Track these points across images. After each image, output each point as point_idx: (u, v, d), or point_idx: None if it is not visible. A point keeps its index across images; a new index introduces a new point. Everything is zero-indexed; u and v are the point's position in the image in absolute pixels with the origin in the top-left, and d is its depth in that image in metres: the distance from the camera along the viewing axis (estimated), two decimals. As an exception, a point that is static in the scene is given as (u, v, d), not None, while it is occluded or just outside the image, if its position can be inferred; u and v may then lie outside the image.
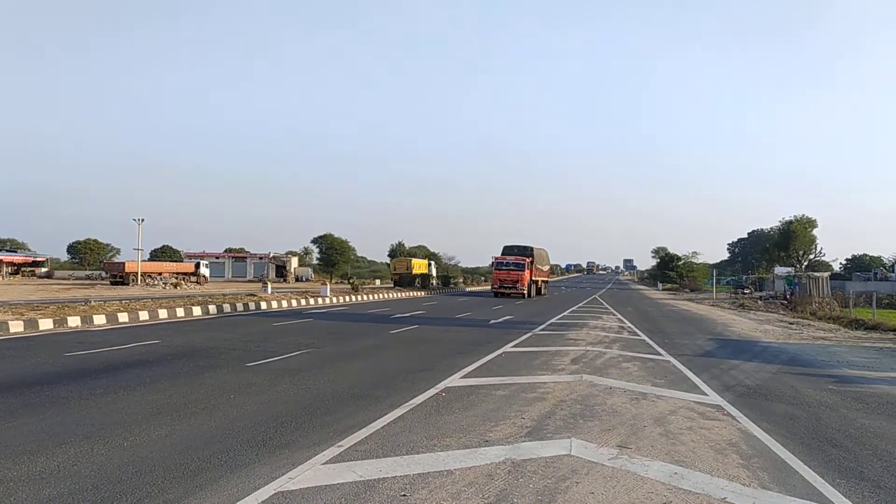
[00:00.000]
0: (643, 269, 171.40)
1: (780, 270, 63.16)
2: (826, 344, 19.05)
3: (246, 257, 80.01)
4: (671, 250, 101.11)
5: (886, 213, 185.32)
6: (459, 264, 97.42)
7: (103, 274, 59.26)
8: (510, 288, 45.11)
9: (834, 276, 58.05)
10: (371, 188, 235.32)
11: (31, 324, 16.91)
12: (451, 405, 8.38)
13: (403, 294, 46.88)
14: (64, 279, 62.53)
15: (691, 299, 54.42)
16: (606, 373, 11.58)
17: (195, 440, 6.43)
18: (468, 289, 66.39)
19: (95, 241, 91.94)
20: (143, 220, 52.05)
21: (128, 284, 49.35)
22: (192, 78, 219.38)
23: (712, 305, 43.53)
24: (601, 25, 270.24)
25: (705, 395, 9.84)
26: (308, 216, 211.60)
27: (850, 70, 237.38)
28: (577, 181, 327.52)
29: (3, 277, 59.89)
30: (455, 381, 10.32)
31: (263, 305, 28.21)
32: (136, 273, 51.41)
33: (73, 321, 18.08)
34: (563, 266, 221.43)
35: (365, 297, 39.68)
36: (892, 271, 70.96)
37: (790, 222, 74.06)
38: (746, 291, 63.06)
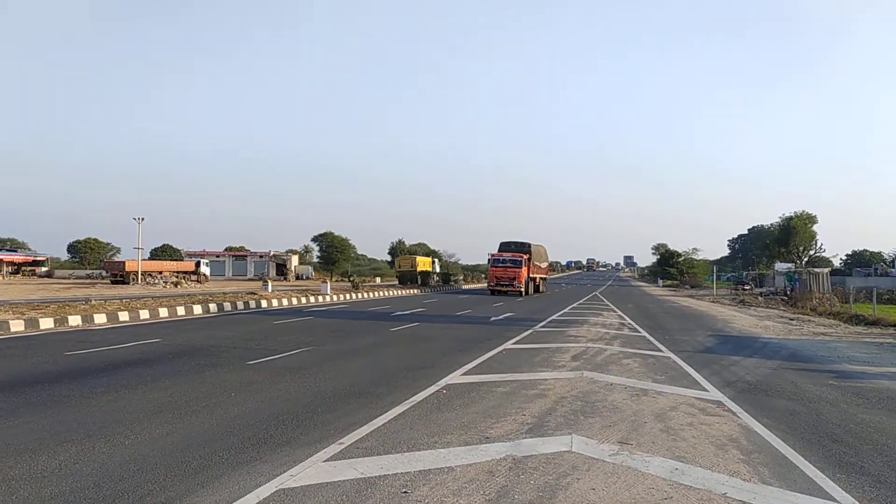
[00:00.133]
0: (643, 265, 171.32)
1: (780, 266, 63.18)
2: (826, 340, 19.06)
3: (246, 256, 79.98)
4: (671, 247, 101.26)
5: (887, 208, 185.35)
6: (460, 262, 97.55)
7: (104, 273, 59.25)
8: (507, 285, 44.00)
9: (834, 272, 58.16)
10: (371, 186, 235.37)
11: (32, 323, 16.92)
12: (451, 402, 8.38)
13: (404, 292, 46.90)
14: (64, 278, 62.53)
15: (692, 296, 54.44)
16: (607, 369, 11.59)
17: (196, 438, 6.44)
18: (465, 286, 64.72)
19: (95, 240, 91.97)
20: (143, 219, 52.03)
21: (128, 283, 49.35)
22: (192, 77, 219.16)
23: (713, 302, 43.54)
24: (599, 25, 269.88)
25: (706, 391, 9.84)
26: (308, 214, 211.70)
27: (850, 65, 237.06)
28: (577, 178, 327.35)
29: (3, 277, 59.92)
30: (456, 378, 10.32)
31: (264, 304, 28.22)
32: (137, 272, 51.40)
33: (74, 320, 18.09)
34: (564, 263, 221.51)
35: (365, 295, 39.69)
36: (893, 267, 70.94)
37: (790, 218, 74.08)
38: (747, 288, 63.09)
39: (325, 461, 5.69)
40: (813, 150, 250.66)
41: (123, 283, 49.67)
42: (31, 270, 68.07)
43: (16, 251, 74.72)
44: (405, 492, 4.95)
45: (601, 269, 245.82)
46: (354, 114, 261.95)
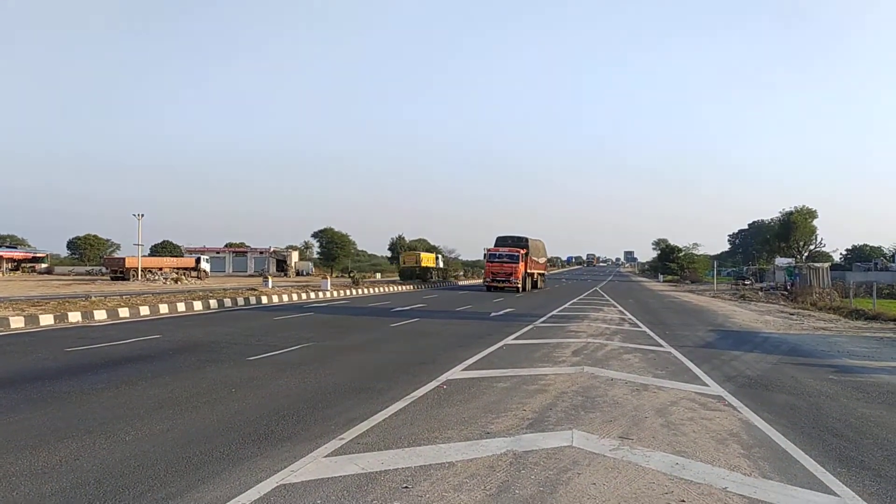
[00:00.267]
0: (644, 260, 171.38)
1: (780, 261, 63.08)
2: (826, 334, 19.07)
3: (246, 252, 79.93)
4: (672, 242, 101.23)
5: (887, 203, 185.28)
6: (460, 258, 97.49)
7: (103, 269, 59.26)
8: (503, 281, 42.57)
9: (834, 267, 58.13)
10: (371, 183, 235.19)
11: (32, 319, 16.93)
12: (452, 397, 8.39)
13: (404, 288, 46.91)
14: (64, 275, 62.54)
15: (692, 291, 54.47)
16: (608, 364, 11.59)
17: (197, 434, 6.44)
18: (462, 282, 63.66)
19: (95, 236, 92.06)
20: (142, 215, 52.00)
21: (128, 280, 49.34)
22: (192, 75, 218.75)
23: (713, 297, 43.56)
24: (600, 23, 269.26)
25: (706, 385, 9.85)
26: (308, 211, 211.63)
27: (851, 61, 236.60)
28: (577, 175, 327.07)
29: (3, 274, 59.93)
30: (456, 373, 10.33)
31: (264, 300, 28.23)
32: (137, 268, 51.38)
33: (74, 317, 18.09)
34: (564, 258, 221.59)
35: (365, 291, 39.70)
36: (893, 261, 70.96)
37: (790, 213, 73.92)
38: (747, 282, 63.11)
39: (325, 456, 5.69)
40: (813, 146, 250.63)
41: (123, 279, 49.66)
42: (30, 267, 68.12)
43: (15, 248, 74.83)
44: (406, 487, 4.95)
45: (601, 264, 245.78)
46: (354, 111, 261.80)
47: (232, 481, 5.05)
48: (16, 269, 65.52)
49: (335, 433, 6.47)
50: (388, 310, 25.02)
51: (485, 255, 46.65)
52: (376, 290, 41.71)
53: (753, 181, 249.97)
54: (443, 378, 9.77)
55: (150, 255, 67.44)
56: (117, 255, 74.59)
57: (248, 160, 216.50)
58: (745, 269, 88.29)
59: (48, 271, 68.02)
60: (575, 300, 34.91)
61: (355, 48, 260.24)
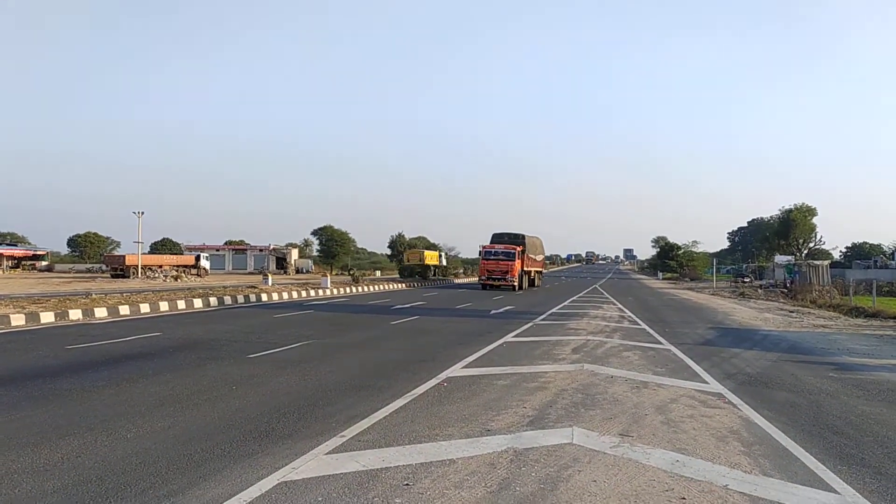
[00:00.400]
0: (643, 258, 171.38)
1: (780, 259, 63.15)
2: (826, 332, 19.08)
3: (246, 249, 79.90)
4: (671, 239, 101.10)
5: (886, 200, 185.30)
6: (460, 255, 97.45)
7: (104, 267, 59.31)
8: (499, 279, 41.26)
9: (834, 265, 58.08)
10: (371, 181, 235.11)
11: (33, 317, 16.93)
12: (452, 395, 8.39)
13: (404, 285, 46.92)
14: (64, 272, 62.50)
15: (691, 288, 54.48)
16: (607, 362, 11.60)
17: (198, 431, 6.45)
18: (457, 280, 62.74)
19: (95, 234, 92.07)
20: (143, 213, 52.00)
21: (128, 277, 49.35)
22: (194, 76, 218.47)
23: (712, 294, 43.56)
24: (600, 21, 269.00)
25: (706, 383, 9.86)
26: (308, 208, 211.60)
27: (852, 59, 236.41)
28: (577, 172, 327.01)
29: (3, 271, 59.96)
30: (456, 371, 10.34)
31: (264, 297, 28.23)
32: (137, 266, 51.41)
33: (75, 314, 18.10)
34: (564, 256, 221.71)
35: (365, 289, 39.71)
36: (892, 259, 70.97)
37: (790, 211, 73.91)
38: (746, 280, 63.11)
39: (326, 454, 5.70)
40: (813, 143, 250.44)
41: (124, 276, 49.68)
42: (31, 265, 68.14)
43: (16, 245, 74.90)
44: (407, 484, 4.96)
45: (601, 262, 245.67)
46: (354, 110, 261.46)
47: (233, 478, 5.05)
48: (16, 266, 65.53)
49: (336, 430, 6.48)
50: (388, 307, 25.03)
51: (480, 252, 45.03)
52: (376, 287, 41.71)
53: (753, 179, 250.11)
54: (443, 376, 9.78)
55: (150, 253, 67.43)
56: (117, 252, 74.71)
57: (248, 158, 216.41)
58: (744, 266, 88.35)
59: (48, 269, 67.96)
60: (575, 298, 34.93)
61: (354, 48, 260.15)
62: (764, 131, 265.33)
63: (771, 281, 55.05)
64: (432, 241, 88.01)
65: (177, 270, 54.26)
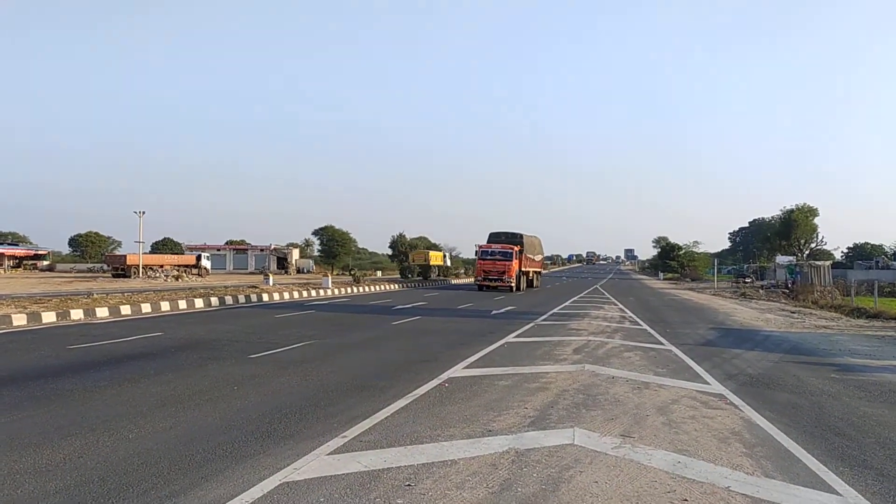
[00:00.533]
0: (644, 258, 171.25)
1: (781, 259, 63.04)
2: (828, 332, 19.06)
3: (247, 249, 79.99)
4: (672, 240, 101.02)
5: (888, 201, 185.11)
6: (460, 255, 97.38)
7: (105, 267, 59.42)
8: (496, 280, 39.97)
9: (835, 265, 58.04)
10: (371, 180, 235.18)
11: (34, 317, 16.95)
12: (454, 395, 8.39)
13: (404, 286, 46.93)
14: (66, 272, 62.61)
15: (692, 289, 54.41)
16: (608, 362, 11.60)
17: (200, 432, 6.45)
18: (455, 281, 61.86)
19: (97, 234, 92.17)
20: (144, 212, 52.10)
21: (129, 277, 49.41)
22: (194, 75, 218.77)
23: (713, 295, 43.54)
24: (600, 20, 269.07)
25: (708, 384, 9.85)
26: (309, 208, 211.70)
27: (853, 59, 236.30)
28: (577, 171, 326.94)
29: (5, 271, 60.04)
30: (458, 371, 10.33)
31: (265, 297, 28.25)
32: (138, 265, 51.48)
33: (76, 314, 18.11)
34: (565, 256, 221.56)
35: (366, 289, 39.71)
36: (894, 260, 70.90)
37: (791, 211, 73.75)
38: (748, 280, 63.04)
39: (328, 454, 5.70)
40: (814, 143, 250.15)
41: (125, 276, 49.75)
42: (32, 264, 68.26)
43: (17, 245, 75.00)
44: (409, 485, 4.97)
45: (602, 262, 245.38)
46: (354, 109, 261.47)
47: (235, 479, 5.06)
48: (17, 266, 65.63)
49: (338, 431, 6.48)
50: (389, 307, 25.03)
51: (476, 251, 43.41)
52: (377, 287, 41.72)
53: (754, 179, 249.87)
54: (444, 376, 9.78)
55: (151, 253, 67.54)
56: (118, 252, 74.78)
57: (249, 157, 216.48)
58: (745, 266, 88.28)
59: (50, 268, 68.06)
60: (576, 298, 34.91)
61: (353, 47, 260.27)
62: (765, 131, 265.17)
63: (772, 281, 54.99)
64: (433, 241, 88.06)
65: (178, 270, 54.31)
